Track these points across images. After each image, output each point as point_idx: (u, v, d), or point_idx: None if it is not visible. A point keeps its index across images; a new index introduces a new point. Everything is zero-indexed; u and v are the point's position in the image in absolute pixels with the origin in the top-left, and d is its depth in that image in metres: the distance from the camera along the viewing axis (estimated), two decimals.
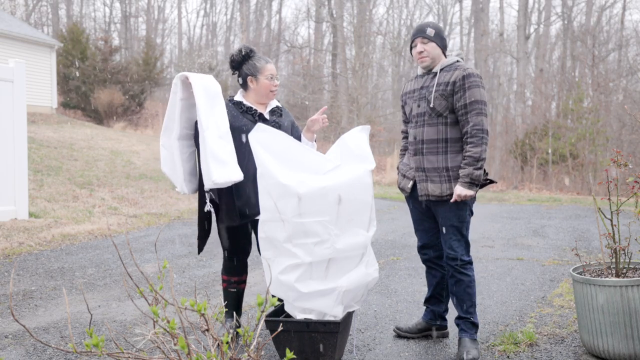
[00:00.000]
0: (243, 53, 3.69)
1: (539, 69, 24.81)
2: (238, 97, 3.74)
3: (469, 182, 3.37)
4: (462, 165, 3.41)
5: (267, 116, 3.70)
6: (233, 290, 3.75)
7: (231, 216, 3.58)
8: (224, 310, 2.15)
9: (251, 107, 3.68)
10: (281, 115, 3.78)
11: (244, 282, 3.80)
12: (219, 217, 3.65)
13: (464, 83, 3.40)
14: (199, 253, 3.79)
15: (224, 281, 3.77)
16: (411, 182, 3.61)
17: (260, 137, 3.32)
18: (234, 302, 3.76)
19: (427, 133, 3.51)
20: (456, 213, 3.45)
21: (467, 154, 3.39)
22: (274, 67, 3.72)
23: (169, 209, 9.80)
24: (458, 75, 3.42)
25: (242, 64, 3.71)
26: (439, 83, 3.48)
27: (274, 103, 3.80)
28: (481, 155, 3.37)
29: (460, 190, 3.38)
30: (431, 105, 3.48)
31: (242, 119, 3.62)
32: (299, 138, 3.78)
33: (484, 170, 3.57)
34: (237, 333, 3.66)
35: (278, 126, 3.68)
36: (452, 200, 3.41)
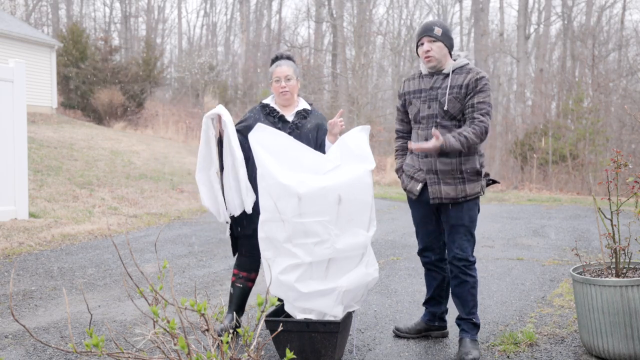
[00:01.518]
0: (272, 59, 3.93)
1: (539, 69, 24.82)
2: (268, 100, 3.94)
3: (442, 143, 3.30)
4: (452, 134, 3.36)
5: (289, 118, 3.83)
6: (239, 285, 3.85)
7: (253, 220, 3.68)
8: (224, 310, 2.16)
9: (274, 109, 3.84)
10: (306, 117, 3.86)
11: (252, 280, 3.89)
12: (243, 224, 3.79)
13: (476, 85, 3.39)
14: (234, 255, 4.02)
15: (233, 275, 3.90)
16: (420, 185, 3.52)
17: (260, 137, 3.33)
18: (238, 297, 3.85)
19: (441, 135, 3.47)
20: (468, 213, 3.45)
21: (463, 131, 3.33)
22: (282, 69, 3.82)
23: (169, 209, 9.80)
24: (471, 78, 3.41)
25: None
26: (452, 86, 3.43)
27: (302, 105, 3.92)
28: (472, 142, 3.33)
29: (430, 143, 3.31)
30: (445, 108, 3.42)
31: (264, 121, 3.75)
32: (323, 142, 3.86)
33: (487, 173, 3.55)
34: (237, 333, 3.69)
35: (296, 127, 3.78)
36: (410, 147, 3.39)
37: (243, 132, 3.72)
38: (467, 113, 3.41)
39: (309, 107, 3.91)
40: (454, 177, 3.44)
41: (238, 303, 3.85)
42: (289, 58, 3.93)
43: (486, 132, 3.37)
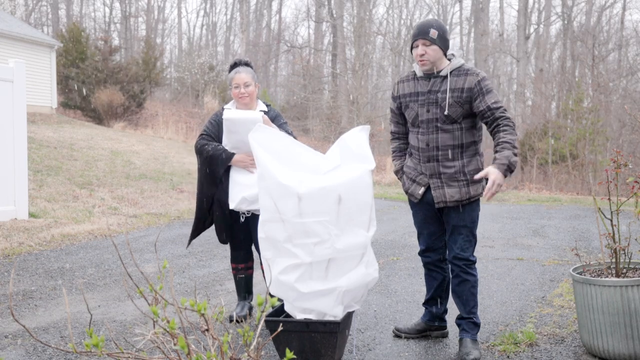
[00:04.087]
0: (231, 65, 4.15)
1: (539, 69, 24.82)
2: (229, 104, 4.21)
3: (507, 167, 3.20)
4: (497, 149, 3.26)
5: None
6: (242, 276, 4.24)
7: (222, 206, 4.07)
8: (223, 309, 2.17)
9: None
10: None
11: (251, 268, 4.27)
12: (213, 210, 4.12)
13: (481, 87, 3.34)
14: (187, 247, 4.49)
15: (233, 269, 4.27)
16: (423, 189, 3.51)
17: (260, 137, 3.33)
18: (244, 287, 4.25)
19: (442, 139, 3.42)
20: (470, 214, 3.45)
21: (503, 140, 3.23)
22: (241, 76, 4.03)
23: (169, 209, 9.79)
24: (472, 81, 3.35)
25: None
26: (452, 89, 3.37)
27: (259, 107, 4.13)
28: (515, 143, 3.27)
29: (497, 176, 3.16)
30: (446, 113, 3.37)
31: (222, 125, 4.03)
32: None
33: None
34: (250, 310, 4.22)
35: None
36: (487, 189, 3.20)
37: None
38: (487, 117, 3.34)
39: (265, 109, 4.13)
40: (458, 179, 3.42)
41: (245, 291, 4.25)
42: (247, 64, 4.13)
43: (514, 125, 3.36)
